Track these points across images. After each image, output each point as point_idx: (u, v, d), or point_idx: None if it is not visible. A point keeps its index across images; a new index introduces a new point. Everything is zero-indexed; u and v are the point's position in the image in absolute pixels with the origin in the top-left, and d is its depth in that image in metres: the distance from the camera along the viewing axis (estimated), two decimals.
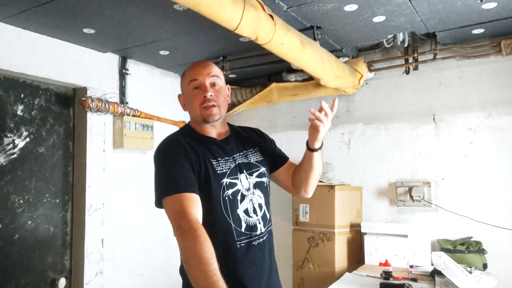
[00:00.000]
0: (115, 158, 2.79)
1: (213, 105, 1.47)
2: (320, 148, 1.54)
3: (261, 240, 1.49)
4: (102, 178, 2.68)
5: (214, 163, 1.46)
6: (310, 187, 1.64)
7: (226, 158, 1.50)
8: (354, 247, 2.82)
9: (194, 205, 1.33)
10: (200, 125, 1.54)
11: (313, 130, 1.47)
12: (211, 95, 1.47)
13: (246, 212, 1.47)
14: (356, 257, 2.82)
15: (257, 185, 1.53)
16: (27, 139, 2.39)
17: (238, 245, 1.43)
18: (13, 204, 2.31)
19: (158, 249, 3.04)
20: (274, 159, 1.68)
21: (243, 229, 1.45)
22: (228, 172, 1.47)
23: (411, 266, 2.53)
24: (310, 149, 1.54)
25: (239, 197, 1.47)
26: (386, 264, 2.52)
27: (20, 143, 2.36)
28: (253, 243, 1.46)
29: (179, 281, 1.47)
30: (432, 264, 2.27)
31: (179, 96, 1.59)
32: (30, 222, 2.38)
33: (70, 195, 2.61)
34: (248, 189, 1.50)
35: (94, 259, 2.59)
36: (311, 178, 1.61)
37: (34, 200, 2.41)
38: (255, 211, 1.49)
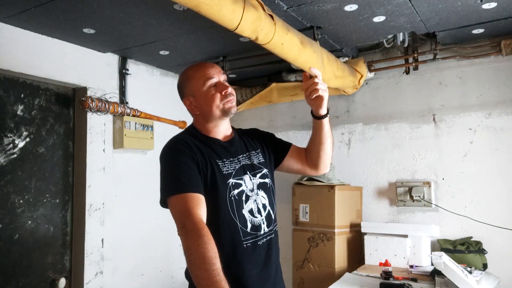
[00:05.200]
0: (115, 158, 2.79)
1: (233, 99, 1.53)
2: (328, 113, 1.58)
3: (266, 239, 1.50)
4: (102, 178, 2.68)
5: (220, 163, 1.48)
6: (327, 159, 1.68)
7: (231, 159, 1.52)
8: (354, 247, 2.82)
9: (199, 205, 1.33)
10: (208, 124, 1.55)
11: (317, 98, 1.51)
12: (231, 90, 1.52)
13: (251, 212, 1.49)
14: (356, 257, 2.82)
15: (260, 186, 1.55)
16: (27, 139, 2.39)
17: (245, 245, 1.44)
18: (13, 204, 2.31)
19: (158, 249, 3.03)
20: (277, 148, 1.70)
21: (248, 229, 1.46)
22: (233, 173, 1.49)
23: (411, 266, 2.53)
24: (319, 117, 1.57)
25: (244, 198, 1.48)
26: (386, 264, 2.52)
27: (20, 143, 2.36)
28: (258, 243, 1.48)
29: (179, 281, 1.48)
30: (432, 264, 2.27)
31: (184, 101, 1.57)
32: (30, 222, 2.38)
33: (70, 195, 2.61)
34: (252, 190, 1.52)
35: (94, 259, 2.59)
36: (327, 149, 1.64)
37: (34, 200, 2.41)
38: (259, 211, 1.51)
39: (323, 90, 1.50)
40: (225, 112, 1.52)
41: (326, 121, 1.59)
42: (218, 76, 1.52)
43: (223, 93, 1.50)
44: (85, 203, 2.57)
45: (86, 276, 2.54)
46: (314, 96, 1.50)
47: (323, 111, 1.55)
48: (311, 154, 1.67)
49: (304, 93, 1.54)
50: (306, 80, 1.52)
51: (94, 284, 2.58)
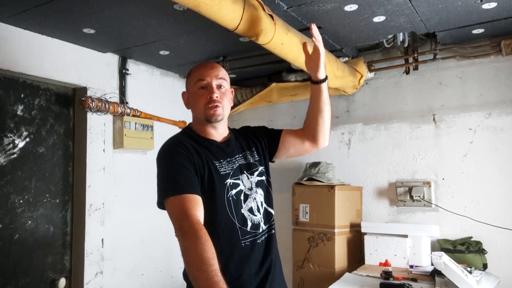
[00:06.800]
0: (115, 158, 2.79)
1: (217, 106, 1.49)
2: (326, 78, 1.58)
3: (264, 237, 1.51)
4: (102, 178, 2.68)
5: (217, 164, 1.48)
6: (326, 129, 1.65)
7: (228, 159, 1.52)
8: (354, 247, 2.82)
9: (196, 206, 1.33)
10: (202, 126, 1.55)
11: (314, 56, 1.54)
12: (216, 96, 1.49)
13: (250, 211, 1.49)
14: (356, 257, 2.82)
15: (258, 184, 1.56)
16: (27, 139, 2.39)
17: (243, 244, 1.45)
18: (13, 204, 2.31)
19: (158, 249, 3.04)
20: (270, 139, 1.69)
21: (248, 228, 1.47)
22: (231, 173, 1.49)
23: (411, 266, 2.53)
24: (317, 81, 1.58)
25: (242, 197, 1.49)
26: (386, 264, 2.52)
27: (20, 143, 2.36)
28: (257, 241, 1.48)
29: (179, 281, 1.48)
30: (432, 264, 2.27)
31: (183, 93, 1.61)
32: (30, 222, 2.38)
33: (70, 195, 2.61)
34: (250, 189, 1.52)
35: (94, 259, 2.59)
36: (326, 117, 1.63)
37: (34, 200, 2.41)
38: (258, 210, 1.52)
39: (321, 45, 1.53)
40: (206, 118, 1.50)
41: (324, 87, 1.59)
42: (211, 78, 1.51)
43: (208, 98, 1.49)
44: (85, 203, 2.57)
45: (86, 276, 2.54)
46: (317, 44, 1.51)
47: (321, 74, 1.56)
48: (309, 125, 1.66)
49: (305, 57, 1.58)
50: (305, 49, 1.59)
51: (94, 284, 2.58)
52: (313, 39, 1.53)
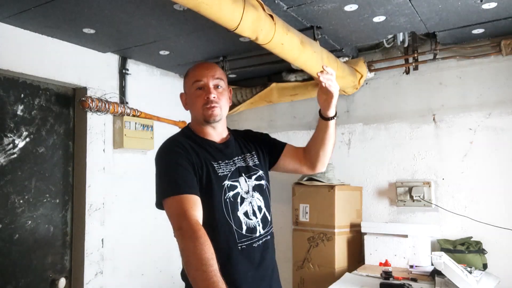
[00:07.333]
0: (115, 158, 2.79)
1: (215, 106, 1.49)
2: (335, 115, 1.56)
3: (261, 242, 1.50)
4: (102, 178, 2.68)
5: (215, 165, 1.47)
6: (326, 159, 1.66)
7: (227, 161, 1.52)
8: (354, 247, 2.82)
9: (195, 206, 1.33)
10: (201, 126, 1.55)
11: (326, 96, 1.49)
12: (214, 97, 1.49)
13: (246, 214, 1.48)
14: (356, 257, 2.82)
15: (256, 188, 1.55)
16: (27, 139, 2.39)
17: (240, 247, 1.44)
18: (13, 204, 2.31)
19: (158, 249, 3.03)
20: (272, 149, 1.69)
21: (244, 231, 1.46)
22: (229, 175, 1.49)
23: (411, 266, 2.53)
24: (325, 118, 1.55)
25: (239, 200, 1.48)
26: (386, 264, 2.53)
27: (20, 143, 2.36)
28: (253, 245, 1.47)
29: (179, 281, 1.48)
30: (432, 264, 2.27)
31: (181, 94, 1.61)
32: (30, 222, 2.38)
33: (70, 195, 2.61)
34: (247, 192, 1.51)
35: (94, 259, 2.59)
36: (329, 150, 1.63)
37: (34, 200, 2.41)
38: (254, 214, 1.51)
39: (335, 88, 1.47)
40: (204, 119, 1.51)
41: (332, 123, 1.57)
42: (207, 79, 1.51)
43: (205, 98, 1.49)
44: (85, 203, 2.57)
45: (86, 276, 2.54)
46: (329, 88, 1.45)
47: (331, 112, 1.54)
48: (310, 152, 1.66)
49: (318, 89, 1.51)
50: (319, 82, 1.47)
51: (94, 284, 2.58)
52: (325, 84, 1.44)
